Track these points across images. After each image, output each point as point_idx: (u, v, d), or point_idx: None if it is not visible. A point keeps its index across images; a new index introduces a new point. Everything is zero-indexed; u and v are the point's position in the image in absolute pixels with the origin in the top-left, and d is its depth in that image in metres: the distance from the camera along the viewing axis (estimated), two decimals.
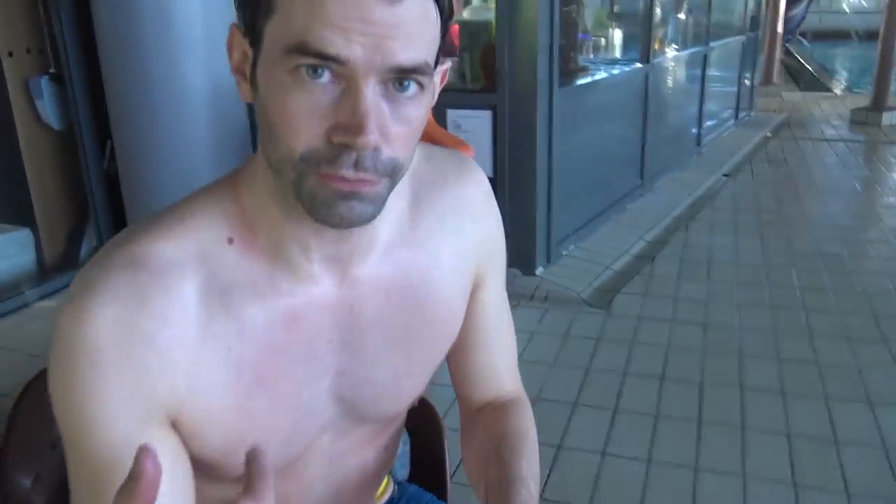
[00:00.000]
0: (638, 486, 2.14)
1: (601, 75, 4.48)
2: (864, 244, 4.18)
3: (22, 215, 3.50)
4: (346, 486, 0.85)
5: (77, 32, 3.30)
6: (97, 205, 3.55)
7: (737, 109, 7.61)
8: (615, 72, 4.71)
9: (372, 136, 0.57)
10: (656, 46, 5.11)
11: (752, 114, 8.10)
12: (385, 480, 1.04)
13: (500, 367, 0.92)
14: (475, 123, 3.49)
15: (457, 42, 4.36)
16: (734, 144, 6.69)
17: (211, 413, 0.67)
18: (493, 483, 0.81)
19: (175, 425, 0.66)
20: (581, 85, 4.16)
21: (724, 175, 5.70)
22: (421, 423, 1.16)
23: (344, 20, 0.55)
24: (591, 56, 4.98)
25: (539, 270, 3.64)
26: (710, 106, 6.47)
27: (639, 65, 4.83)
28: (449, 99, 3.45)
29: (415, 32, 0.58)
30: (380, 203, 0.63)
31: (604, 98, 4.40)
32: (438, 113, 3.18)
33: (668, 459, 2.25)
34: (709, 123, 6.57)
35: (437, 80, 0.67)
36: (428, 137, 3.03)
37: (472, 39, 3.90)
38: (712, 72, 6.41)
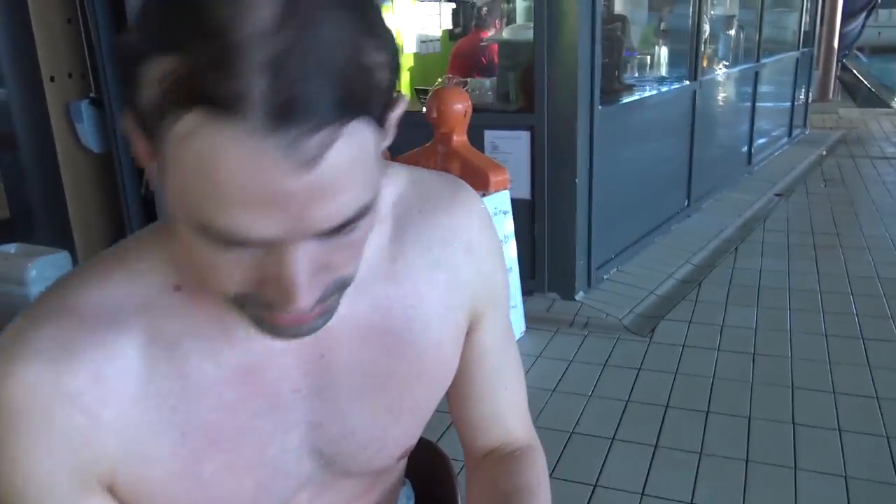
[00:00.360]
0: None
1: (647, 93, 4.36)
2: None
3: (61, 237, 3.53)
4: None
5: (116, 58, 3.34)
6: (134, 228, 3.57)
7: (790, 127, 7.38)
8: (662, 89, 4.58)
9: (305, 304, 0.50)
10: (705, 63, 4.98)
11: (807, 131, 7.85)
12: None
13: (505, 413, 0.83)
14: (513, 144, 3.41)
15: (496, 61, 4.31)
16: (787, 163, 6.47)
17: (153, 479, 0.60)
18: None
19: (111, 491, 0.59)
20: (625, 104, 4.05)
21: (777, 195, 5.49)
22: (428, 471, 1.07)
23: (247, 196, 0.44)
24: (637, 74, 4.88)
25: (579, 295, 3.52)
26: (761, 124, 6.28)
27: (686, 82, 4.70)
28: (486, 119, 3.40)
29: (345, 183, 0.47)
30: (333, 312, 0.56)
31: (649, 116, 4.28)
32: (475, 134, 3.11)
33: (713, 502, 2.10)
34: (760, 141, 6.38)
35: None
36: (461, 160, 2.98)
37: (513, 59, 3.83)
38: (764, 89, 6.22)
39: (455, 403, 0.82)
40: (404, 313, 0.68)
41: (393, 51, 0.50)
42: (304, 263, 0.49)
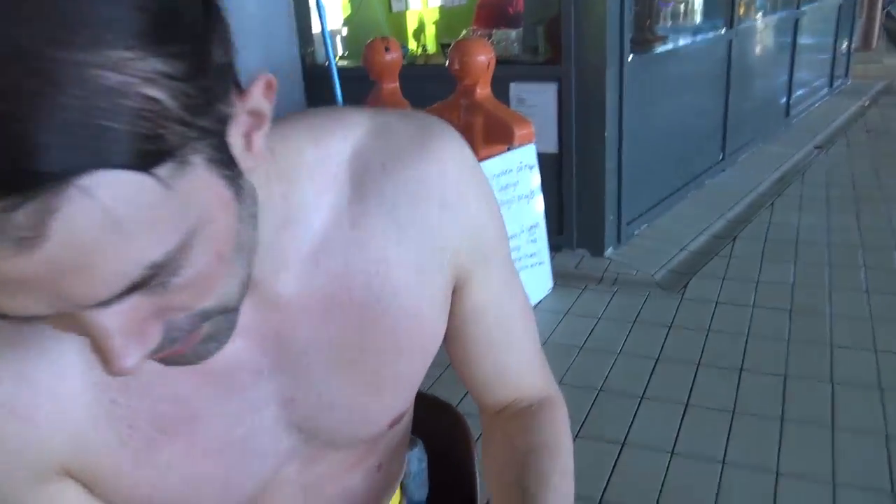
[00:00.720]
0: (710, 490, 1.95)
1: (679, 42, 4.20)
2: None
3: None
4: None
5: None
6: None
7: (831, 77, 7.11)
8: (696, 38, 4.42)
9: (127, 365, 0.40)
10: (741, 11, 4.78)
11: (849, 81, 7.55)
12: (397, 502, 0.91)
13: (512, 370, 0.77)
14: (539, 97, 3.30)
15: (522, 10, 4.17)
16: (828, 114, 6.24)
17: (107, 468, 0.56)
18: None
19: (70, 476, 0.56)
20: (657, 54, 3.90)
21: (816, 147, 5.30)
22: (444, 431, 1.03)
23: None
24: (670, 23, 4.70)
25: (608, 251, 3.43)
26: (801, 74, 6.04)
27: (722, 31, 4.51)
28: (512, 72, 3.29)
29: (100, 254, 0.34)
30: (231, 329, 0.49)
31: (682, 67, 4.12)
32: (500, 87, 3.01)
33: (746, 461, 2.04)
34: (799, 92, 6.15)
35: (241, 142, 0.43)
36: (485, 114, 2.89)
37: (540, 9, 3.70)
38: (804, 37, 5.97)
39: (457, 364, 0.76)
40: (370, 283, 0.60)
41: (191, 50, 0.36)
42: (114, 324, 0.39)
